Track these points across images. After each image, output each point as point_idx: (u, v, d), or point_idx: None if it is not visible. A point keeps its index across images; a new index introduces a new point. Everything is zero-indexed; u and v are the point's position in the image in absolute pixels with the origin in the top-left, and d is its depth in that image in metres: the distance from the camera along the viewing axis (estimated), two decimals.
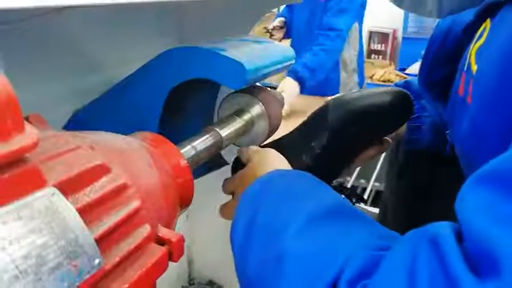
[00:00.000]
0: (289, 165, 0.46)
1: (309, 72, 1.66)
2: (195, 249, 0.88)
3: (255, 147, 0.51)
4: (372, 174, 1.78)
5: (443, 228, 0.24)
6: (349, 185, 1.73)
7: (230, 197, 0.52)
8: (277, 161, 0.46)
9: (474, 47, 0.37)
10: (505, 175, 0.22)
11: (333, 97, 0.52)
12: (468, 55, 0.38)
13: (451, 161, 0.48)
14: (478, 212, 0.22)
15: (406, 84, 0.62)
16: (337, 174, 0.54)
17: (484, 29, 0.36)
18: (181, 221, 0.83)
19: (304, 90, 1.68)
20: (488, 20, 0.36)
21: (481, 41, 0.36)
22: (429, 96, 0.55)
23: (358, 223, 0.33)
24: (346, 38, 1.79)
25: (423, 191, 0.62)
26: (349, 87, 1.97)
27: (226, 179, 0.51)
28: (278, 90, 1.60)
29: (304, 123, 0.52)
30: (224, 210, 0.51)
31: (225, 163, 0.62)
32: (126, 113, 0.51)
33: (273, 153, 0.48)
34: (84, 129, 0.52)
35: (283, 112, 1.57)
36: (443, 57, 0.50)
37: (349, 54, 1.98)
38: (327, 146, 0.49)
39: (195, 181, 0.50)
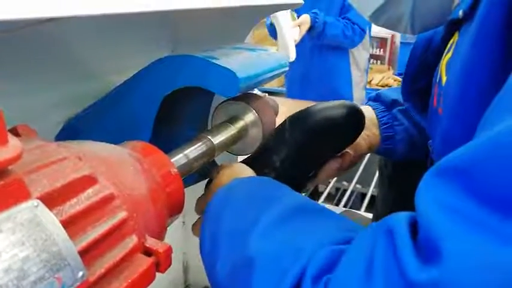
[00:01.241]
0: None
1: (323, 24, 1.74)
2: (190, 256, 0.88)
3: (226, 163, 0.50)
4: (354, 176, 1.78)
5: (399, 220, 0.25)
6: (329, 187, 1.75)
7: None
8: (243, 174, 0.47)
9: (444, 59, 0.38)
10: (455, 169, 0.23)
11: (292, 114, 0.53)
12: (439, 67, 0.39)
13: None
14: (429, 202, 0.23)
15: (377, 96, 0.64)
16: (301, 187, 0.55)
17: (453, 42, 0.38)
18: (177, 228, 0.83)
19: (311, 31, 1.74)
20: (456, 34, 0.38)
21: (450, 54, 0.37)
22: (412, 105, 0.56)
23: (322, 219, 0.34)
24: (363, 40, 1.85)
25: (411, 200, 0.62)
26: (361, 87, 1.99)
27: (198, 198, 0.50)
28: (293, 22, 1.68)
29: (267, 138, 0.53)
30: (195, 228, 0.49)
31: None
32: (119, 120, 0.51)
33: (239, 166, 0.49)
34: (77, 137, 0.52)
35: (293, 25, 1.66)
36: (425, 65, 0.51)
37: (361, 55, 2.00)
38: (286, 160, 0.50)
39: (190, 188, 0.50)
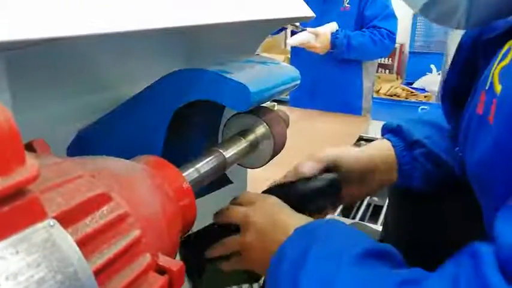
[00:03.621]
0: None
1: (346, 37, 1.72)
2: None
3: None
4: None
5: (483, 246, 0.27)
6: None
7: None
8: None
9: (498, 67, 0.36)
10: None
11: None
12: (490, 74, 0.37)
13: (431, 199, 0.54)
14: (510, 230, 0.26)
15: (398, 130, 0.63)
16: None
17: (509, 49, 0.35)
18: None
19: (335, 51, 1.74)
20: None
21: (506, 61, 0.35)
22: (448, 104, 0.55)
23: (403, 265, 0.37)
24: (395, 43, 1.82)
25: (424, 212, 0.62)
26: (369, 98, 1.98)
27: (222, 209, 0.53)
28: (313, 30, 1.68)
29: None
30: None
31: (229, 182, 0.62)
32: (131, 132, 0.51)
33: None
34: (89, 147, 0.53)
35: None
36: (471, 64, 0.49)
37: (374, 66, 1.99)
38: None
39: (198, 200, 0.50)
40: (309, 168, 0.58)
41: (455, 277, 0.26)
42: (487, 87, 0.37)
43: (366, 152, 0.62)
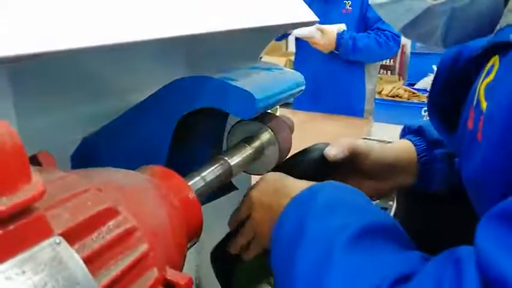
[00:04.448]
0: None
1: (351, 39, 1.71)
2: (203, 270, 0.87)
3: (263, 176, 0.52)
4: None
5: (466, 252, 0.27)
6: None
7: None
8: (286, 179, 0.50)
9: (483, 83, 0.36)
10: None
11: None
12: (477, 91, 0.37)
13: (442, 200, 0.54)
14: (490, 243, 0.26)
15: (420, 130, 0.62)
16: None
17: (493, 65, 0.36)
18: None
19: (340, 51, 1.74)
20: (497, 57, 0.36)
21: (490, 78, 0.35)
22: (436, 120, 0.55)
23: (394, 243, 0.36)
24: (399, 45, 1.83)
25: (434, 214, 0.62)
26: (372, 100, 1.97)
27: (234, 212, 0.53)
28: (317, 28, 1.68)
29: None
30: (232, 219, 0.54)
31: (234, 188, 0.62)
32: (136, 140, 0.50)
33: (278, 174, 0.52)
34: (93, 155, 0.52)
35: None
36: (452, 81, 0.50)
37: (376, 69, 1.99)
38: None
39: (204, 206, 0.50)
40: (335, 152, 0.57)
41: (439, 285, 0.27)
42: (474, 104, 0.37)
43: (390, 149, 0.61)
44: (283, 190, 0.47)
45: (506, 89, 0.32)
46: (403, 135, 0.64)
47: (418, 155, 0.60)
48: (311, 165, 0.57)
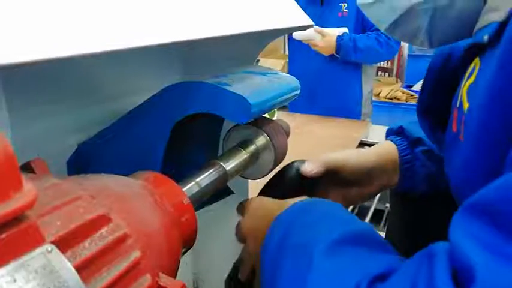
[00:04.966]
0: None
1: (351, 40, 1.72)
2: (200, 276, 0.87)
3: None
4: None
5: (440, 247, 0.28)
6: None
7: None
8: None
9: (465, 85, 0.37)
10: (485, 205, 0.26)
11: None
12: (460, 92, 0.38)
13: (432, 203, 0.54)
14: (462, 235, 0.26)
15: (400, 130, 0.63)
16: None
17: (474, 67, 0.37)
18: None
19: (340, 53, 1.74)
20: (477, 58, 0.37)
21: (472, 79, 0.36)
22: (427, 125, 0.55)
23: (378, 250, 0.36)
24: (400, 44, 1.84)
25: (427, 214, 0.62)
26: (369, 102, 1.97)
27: (238, 225, 0.55)
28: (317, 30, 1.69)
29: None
30: (238, 230, 0.55)
31: (231, 192, 0.62)
32: (131, 145, 0.50)
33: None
34: (89, 160, 0.52)
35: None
36: (444, 83, 0.50)
37: (373, 70, 1.99)
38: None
39: (200, 211, 0.50)
40: (311, 167, 0.58)
41: (414, 281, 0.27)
42: (458, 105, 0.38)
43: (368, 155, 0.62)
44: (268, 215, 0.47)
45: (484, 89, 0.32)
46: (386, 136, 0.65)
47: (400, 154, 0.60)
48: (290, 184, 0.58)
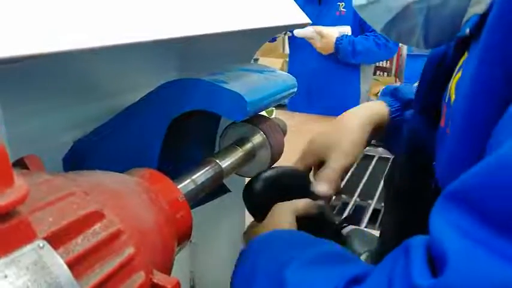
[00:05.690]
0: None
1: (350, 43, 1.72)
2: (197, 275, 0.87)
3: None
4: (355, 189, 1.75)
5: (417, 240, 0.28)
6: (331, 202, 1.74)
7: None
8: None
9: (454, 80, 0.38)
10: (463, 192, 0.26)
11: None
12: (449, 86, 0.38)
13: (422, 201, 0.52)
14: (440, 223, 0.26)
15: (394, 91, 0.63)
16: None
17: (463, 62, 0.37)
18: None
19: (339, 55, 1.75)
20: (466, 53, 0.37)
21: (459, 74, 0.36)
22: (423, 120, 0.55)
23: (349, 262, 0.36)
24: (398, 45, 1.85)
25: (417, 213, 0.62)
26: (365, 102, 1.97)
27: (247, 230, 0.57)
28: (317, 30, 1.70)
29: None
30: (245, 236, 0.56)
31: (227, 190, 0.62)
32: (127, 142, 0.50)
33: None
34: (85, 158, 0.52)
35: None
36: (437, 81, 0.50)
37: (371, 69, 1.99)
38: None
39: (197, 209, 0.50)
40: (325, 190, 0.56)
41: (390, 276, 0.27)
42: (446, 100, 0.38)
43: (363, 139, 0.60)
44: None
45: (467, 82, 0.32)
46: (381, 95, 0.65)
47: (390, 115, 0.61)
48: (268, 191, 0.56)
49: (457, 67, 0.38)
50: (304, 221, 0.51)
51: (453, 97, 0.36)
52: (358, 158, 0.58)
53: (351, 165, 0.59)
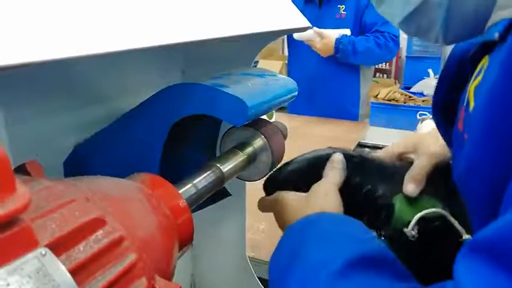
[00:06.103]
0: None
1: (351, 43, 1.71)
2: (197, 278, 0.87)
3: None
4: None
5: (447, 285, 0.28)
6: None
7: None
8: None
9: (473, 84, 0.37)
10: (486, 244, 0.26)
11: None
12: (468, 91, 0.37)
13: None
14: (464, 272, 0.26)
15: None
16: None
17: (483, 65, 0.36)
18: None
19: (340, 55, 1.74)
20: (486, 57, 0.36)
21: (479, 79, 0.35)
22: (439, 120, 0.54)
23: (386, 275, 0.36)
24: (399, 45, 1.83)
25: None
26: (366, 103, 1.98)
27: (263, 198, 0.58)
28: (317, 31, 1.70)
29: None
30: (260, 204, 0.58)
31: (228, 194, 0.62)
32: (128, 146, 0.50)
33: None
34: (86, 162, 0.52)
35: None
36: (462, 77, 0.48)
37: (371, 72, 1.99)
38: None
39: (197, 212, 0.50)
40: (413, 190, 0.56)
41: None
42: (464, 104, 0.37)
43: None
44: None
45: (487, 89, 0.32)
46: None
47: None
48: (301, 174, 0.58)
49: (476, 70, 0.37)
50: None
51: (472, 103, 0.35)
52: (447, 158, 0.58)
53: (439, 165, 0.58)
